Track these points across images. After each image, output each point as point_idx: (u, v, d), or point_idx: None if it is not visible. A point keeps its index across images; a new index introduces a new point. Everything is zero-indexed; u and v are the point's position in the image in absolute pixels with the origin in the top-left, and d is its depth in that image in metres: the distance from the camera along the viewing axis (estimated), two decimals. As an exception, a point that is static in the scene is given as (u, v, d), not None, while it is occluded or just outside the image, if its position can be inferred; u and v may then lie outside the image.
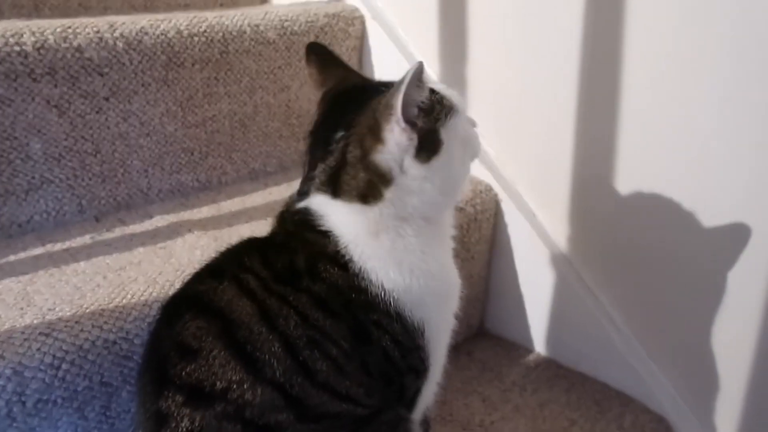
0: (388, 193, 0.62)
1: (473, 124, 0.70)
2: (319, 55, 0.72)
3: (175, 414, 0.54)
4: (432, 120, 0.62)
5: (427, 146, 0.61)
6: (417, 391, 0.66)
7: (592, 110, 0.94)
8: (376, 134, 0.61)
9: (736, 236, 0.83)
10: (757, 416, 0.87)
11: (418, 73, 0.58)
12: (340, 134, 0.63)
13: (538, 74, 0.99)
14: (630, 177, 0.92)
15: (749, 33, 0.76)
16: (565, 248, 1.02)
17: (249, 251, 0.64)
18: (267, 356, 0.55)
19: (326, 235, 0.62)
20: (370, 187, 0.62)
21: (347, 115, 0.64)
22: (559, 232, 1.03)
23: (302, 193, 0.66)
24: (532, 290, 1.07)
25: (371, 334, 0.61)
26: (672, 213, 0.88)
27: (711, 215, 0.85)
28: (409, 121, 0.60)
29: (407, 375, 0.64)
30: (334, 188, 0.63)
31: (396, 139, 0.60)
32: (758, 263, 0.82)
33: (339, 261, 0.61)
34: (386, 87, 0.63)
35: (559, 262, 1.02)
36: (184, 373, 0.55)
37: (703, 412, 0.92)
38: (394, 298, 0.61)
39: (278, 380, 0.55)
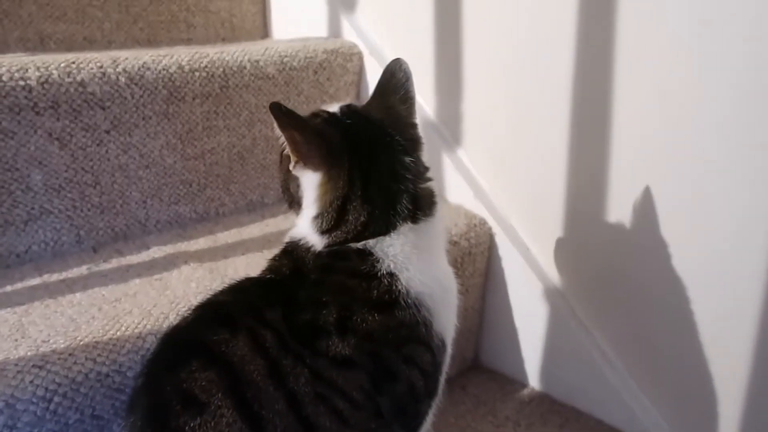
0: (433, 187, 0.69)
1: None
2: (289, 115, 0.63)
3: None
4: None
5: None
6: (425, 415, 0.67)
7: (585, 146, 0.95)
8: (420, 141, 0.70)
9: (728, 271, 0.84)
10: (750, 455, 0.87)
11: None
12: (409, 159, 0.66)
13: (533, 111, 1.01)
14: (622, 212, 0.93)
15: (745, 71, 0.78)
16: (559, 282, 1.03)
17: (269, 301, 0.62)
18: (271, 414, 0.55)
19: (377, 278, 0.62)
20: (431, 188, 0.69)
21: (388, 145, 0.67)
22: (553, 266, 1.04)
23: (351, 238, 0.65)
24: (526, 324, 1.08)
25: (398, 372, 0.61)
26: (664, 248, 0.89)
27: (703, 251, 0.86)
28: None
29: (424, 401, 0.65)
30: (417, 208, 0.66)
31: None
32: (751, 298, 0.83)
33: (384, 303, 0.61)
34: (361, 113, 0.70)
35: (552, 296, 1.03)
36: (188, 427, 0.53)
37: (697, 450, 0.92)
38: (434, 317, 0.63)
39: None
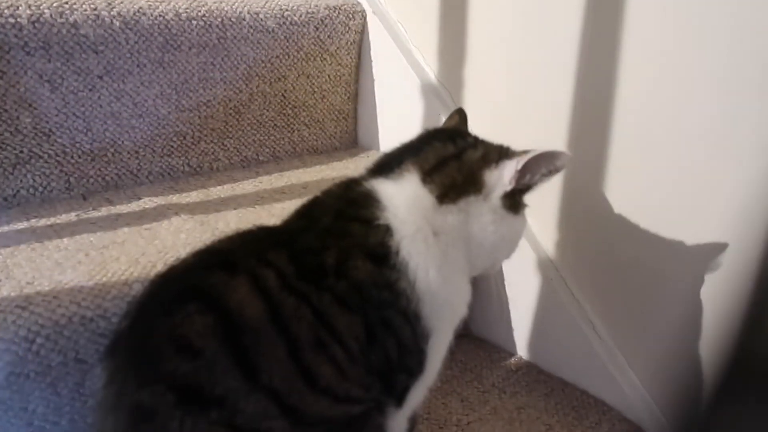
0: (462, 203, 0.66)
1: None
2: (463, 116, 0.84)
3: (164, 413, 0.51)
4: (523, 197, 0.71)
5: (514, 202, 0.69)
6: (406, 389, 0.66)
7: (585, 120, 0.94)
8: (498, 159, 0.69)
9: (719, 253, 0.83)
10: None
11: (557, 161, 0.69)
12: (472, 138, 0.72)
13: (534, 80, 0.99)
14: (619, 189, 0.92)
15: (744, 51, 0.77)
16: (552, 254, 1.02)
17: (274, 243, 0.60)
18: (269, 362, 0.54)
19: (375, 227, 0.61)
20: (460, 185, 0.67)
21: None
22: (547, 238, 1.03)
23: (376, 172, 0.68)
24: (517, 293, 1.07)
25: (377, 334, 0.60)
26: (658, 226, 0.89)
27: (696, 231, 0.85)
28: (520, 175, 0.68)
29: (399, 373, 0.64)
30: (431, 171, 0.66)
31: (503, 173, 0.68)
32: (740, 279, 0.82)
33: (376, 254, 0.60)
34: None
35: (545, 267, 1.02)
36: (179, 372, 0.52)
37: (681, 424, 0.92)
38: (418, 298, 0.61)
39: (275, 387, 0.53)
